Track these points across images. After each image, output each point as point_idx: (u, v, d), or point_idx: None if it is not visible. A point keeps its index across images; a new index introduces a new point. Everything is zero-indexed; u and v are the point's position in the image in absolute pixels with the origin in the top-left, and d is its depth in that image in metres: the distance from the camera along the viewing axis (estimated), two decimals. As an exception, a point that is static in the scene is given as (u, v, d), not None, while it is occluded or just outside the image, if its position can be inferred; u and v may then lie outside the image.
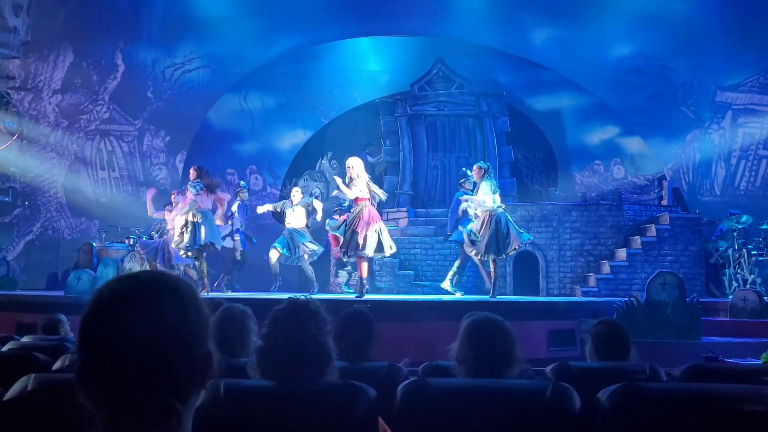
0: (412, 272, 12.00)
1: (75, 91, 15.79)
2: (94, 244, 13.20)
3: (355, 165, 9.00)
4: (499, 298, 9.41)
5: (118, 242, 13.16)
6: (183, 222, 9.50)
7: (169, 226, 10.73)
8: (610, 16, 14.54)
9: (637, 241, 11.70)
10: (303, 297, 2.51)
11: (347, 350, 3.41)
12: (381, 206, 14.13)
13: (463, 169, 11.10)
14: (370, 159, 15.44)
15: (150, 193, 11.16)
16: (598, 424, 2.15)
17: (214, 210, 9.77)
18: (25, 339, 4.68)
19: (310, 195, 13.03)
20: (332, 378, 2.31)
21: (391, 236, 8.86)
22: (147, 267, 10.84)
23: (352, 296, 9.35)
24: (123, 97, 15.76)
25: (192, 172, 9.82)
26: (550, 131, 15.38)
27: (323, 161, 15.94)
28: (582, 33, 14.64)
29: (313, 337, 2.30)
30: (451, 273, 10.27)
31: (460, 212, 10.32)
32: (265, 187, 15.84)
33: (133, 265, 11.53)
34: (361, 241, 8.74)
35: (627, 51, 14.61)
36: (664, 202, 13.02)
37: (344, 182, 9.02)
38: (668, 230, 11.72)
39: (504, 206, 9.46)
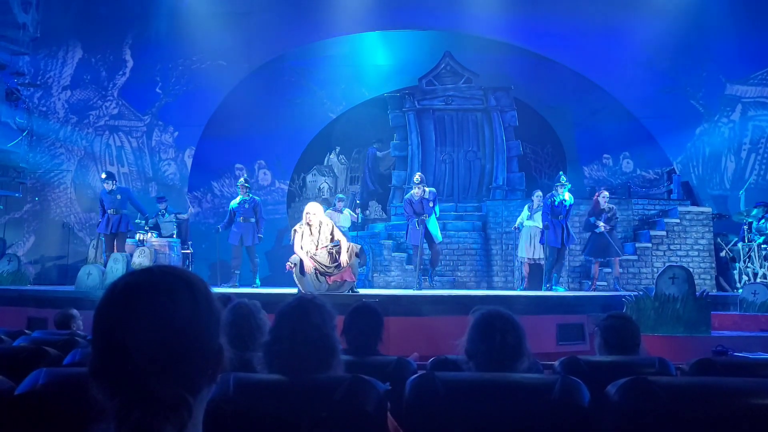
0: (421, 266, 11.97)
1: (84, 87, 15.85)
2: (103, 240, 13.24)
3: (318, 211, 8.21)
4: (505, 293, 9.41)
5: (127, 237, 13.18)
6: None
7: None
8: (618, 9, 14.47)
9: (646, 235, 11.65)
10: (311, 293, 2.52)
11: (355, 344, 3.42)
12: (390, 201, 14.22)
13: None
14: (378, 154, 15.44)
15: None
16: (607, 418, 2.15)
17: None
18: (35, 333, 4.71)
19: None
20: (338, 371, 2.32)
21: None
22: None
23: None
24: (132, 93, 15.81)
25: None
26: (558, 125, 15.32)
27: (331, 156, 15.95)
28: (591, 26, 14.57)
29: (318, 329, 2.30)
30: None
31: None
32: (273, 182, 15.85)
33: (143, 260, 11.56)
34: None
35: (636, 44, 14.52)
36: (674, 196, 12.96)
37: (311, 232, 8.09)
38: (678, 224, 11.67)
39: None
